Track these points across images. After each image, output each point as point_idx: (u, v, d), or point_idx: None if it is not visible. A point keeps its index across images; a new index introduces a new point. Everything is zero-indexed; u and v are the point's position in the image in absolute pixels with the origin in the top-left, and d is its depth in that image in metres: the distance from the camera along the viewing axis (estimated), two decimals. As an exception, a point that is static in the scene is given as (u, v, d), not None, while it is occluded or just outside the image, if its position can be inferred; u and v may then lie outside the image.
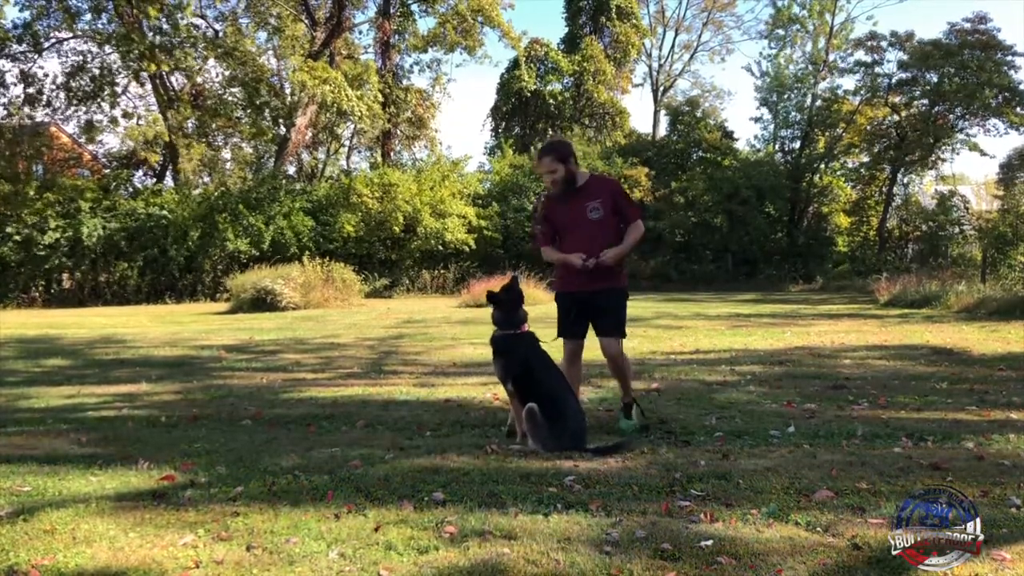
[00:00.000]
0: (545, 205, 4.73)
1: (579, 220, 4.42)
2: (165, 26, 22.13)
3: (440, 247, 22.96)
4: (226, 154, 30.92)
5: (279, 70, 29.42)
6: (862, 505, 2.98)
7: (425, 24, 35.32)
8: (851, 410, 4.96)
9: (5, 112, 22.28)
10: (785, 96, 30.73)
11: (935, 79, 25.77)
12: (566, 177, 4.41)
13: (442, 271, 23.11)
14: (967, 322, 11.33)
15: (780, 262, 28.03)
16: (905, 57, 26.13)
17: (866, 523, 2.78)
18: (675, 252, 27.13)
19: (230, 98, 25.89)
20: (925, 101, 26.89)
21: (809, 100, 30.04)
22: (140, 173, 28.81)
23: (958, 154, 29.85)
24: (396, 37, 29.70)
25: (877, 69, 27.17)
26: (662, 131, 34.91)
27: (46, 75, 23.01)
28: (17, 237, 19.31)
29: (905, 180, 30.49)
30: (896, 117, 27.97)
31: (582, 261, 4.31)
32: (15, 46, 21.57)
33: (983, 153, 27.66)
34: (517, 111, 34.02)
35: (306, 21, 27.50)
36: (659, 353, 8.21)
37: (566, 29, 34.92)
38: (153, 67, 21.16)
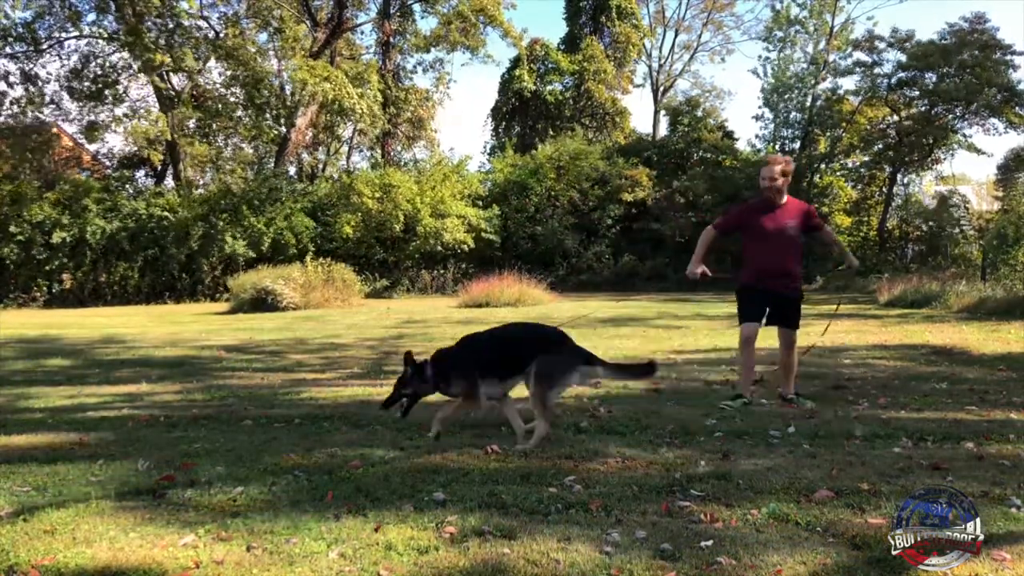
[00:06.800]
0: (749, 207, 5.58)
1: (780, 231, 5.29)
2: (168, 24, 22.17)
3: (439, 247, 22.96)
4: (227, 154, 30.92)
5: (280, 71, 29.44)
6: (862, 505, 2.98)
7: (427, 24, 35.37)
8: (851, 410, 4.96)
9: (10, 112, 22.30)
10: (786, 96, 30.71)
11: (934, 79, 25.76)
12: (781, 188, 5.30)
13: (441, 271, 23.11)
14: (967, 322, 11.32)
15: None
16: (903, 58, 26.13)
17: (866, 523, 2.78)
18: (676, 252, 27.11)
19: (231, 98, 25.89)
20: (925, 101, 26.88)
21: (809, 100, 30.03)
22: (141, 174, 28.84)
23: (954, 155, 29.89)
24: (397, 37, 29.72)
25: (876, 70, 27.17)
26: (662, 131, 34.87)
27: (49, 75, 23.08)
28: (20, 237, 19.33)
29: (905, 180, 30.48)
30: (896, 117, 27.97)
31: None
32: (16, 45, 21.59)
33: (980, 152, 27.67)
34: (518, 111, 34.02)
35: (307, 23, 27.51)
36: (659, 353, 8.21)
37: (566, 29, 34.93)
38: (160, 58, 21.13)
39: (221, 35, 24.81)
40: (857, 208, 30.39)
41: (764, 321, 5.34)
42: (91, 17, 22.51)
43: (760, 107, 40.68)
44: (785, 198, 5.35)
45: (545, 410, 4.02)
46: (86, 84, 23.05)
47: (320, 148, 33.40)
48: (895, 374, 6.52)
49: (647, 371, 4.36)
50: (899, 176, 29.37)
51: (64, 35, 22.97)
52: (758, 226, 5.33)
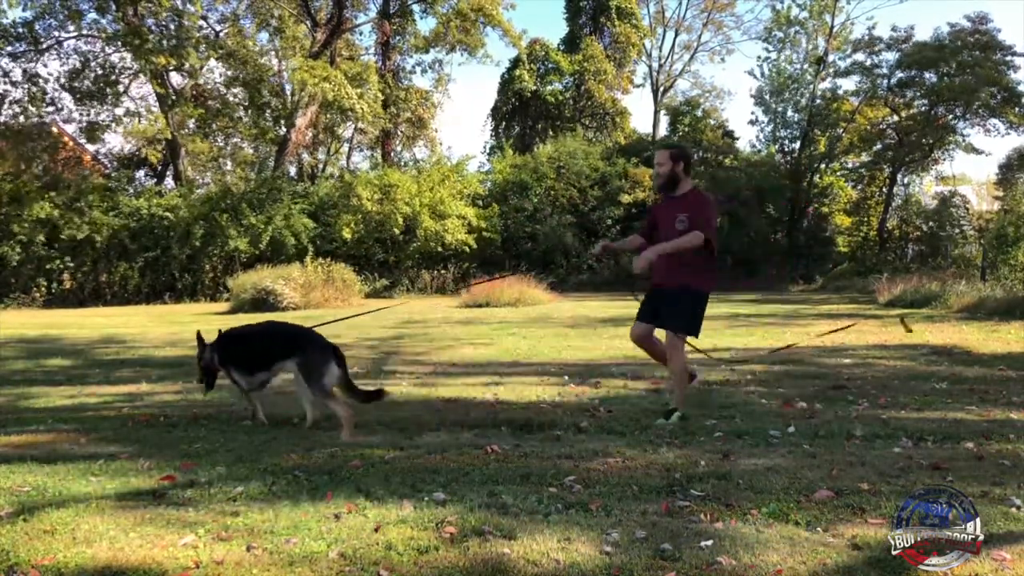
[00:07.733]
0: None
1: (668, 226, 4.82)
2: (171, 26, 22.18)
3: (440, 248, 22.96)
4: (227, 153, 30.91)
5: (280, 71, 29.46)
6: (862, 505, 2.98)
7: (427, 24, 35.37)
8: (851, 410, 4.96)
9: (12, 112, 22.29)
10: (784, 96, 30.72)
11: (934, 79, 25.77)
12: (669, 175, 4.86)
13: (442, 272, 23.11)
14: (967, 322, 11.32)
15: (780, 262, 28.04)
16: (902, 58, 26.13)
17: (866, 523, 2.78)
18: (676, 252, 27.18)
19: (232, 98, 25.88)
20: (925, 101, 26.88)
21: (807, 100, 30.02)
22: (141, 173, 28.81)
23: (953, 158, 29.89)
24: (397, 38, 29.72)
25: (876, 71, 27.17)
26: (663, 131, 34.86)
27: (51, 75, 23.08)
28: (21, 237, 19.34)
29: (905, 180, 30.49)
30: (895, 117, 27.98)
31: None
32: (16, 44, 21.59)
33: (978, 152, 27.70)
34: (517, 111, 34.03)
35: (307, 23, 27.52)
36: (659, 353, 8.19)
37: (566, 29, 34.94)
38: (163, 60, 21.16)
39: (221, 35, 24.80)
40: (857, 208, 30.39)
41: (653, 321, 5.10)
42: (91, 17, 22.53)
43: (751, 110, 40.65)
44: (685, 189, 4.90)
45: (329, 398, 4.37)
46: (86, 84, 23.03)
47: (320, 148, 33.41)
48: (895, 374, 6.52)
49: (372, 397, 4.56)
50: (899, 176, 29.37)
51: (64, 35, 22.97)
52: (657, 221, 5.02)
